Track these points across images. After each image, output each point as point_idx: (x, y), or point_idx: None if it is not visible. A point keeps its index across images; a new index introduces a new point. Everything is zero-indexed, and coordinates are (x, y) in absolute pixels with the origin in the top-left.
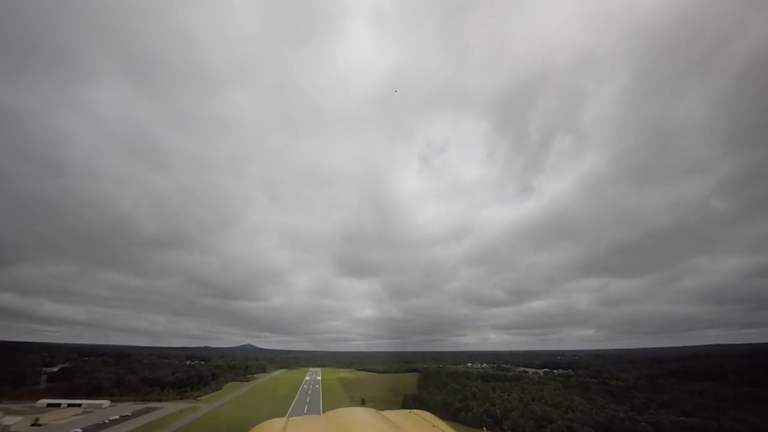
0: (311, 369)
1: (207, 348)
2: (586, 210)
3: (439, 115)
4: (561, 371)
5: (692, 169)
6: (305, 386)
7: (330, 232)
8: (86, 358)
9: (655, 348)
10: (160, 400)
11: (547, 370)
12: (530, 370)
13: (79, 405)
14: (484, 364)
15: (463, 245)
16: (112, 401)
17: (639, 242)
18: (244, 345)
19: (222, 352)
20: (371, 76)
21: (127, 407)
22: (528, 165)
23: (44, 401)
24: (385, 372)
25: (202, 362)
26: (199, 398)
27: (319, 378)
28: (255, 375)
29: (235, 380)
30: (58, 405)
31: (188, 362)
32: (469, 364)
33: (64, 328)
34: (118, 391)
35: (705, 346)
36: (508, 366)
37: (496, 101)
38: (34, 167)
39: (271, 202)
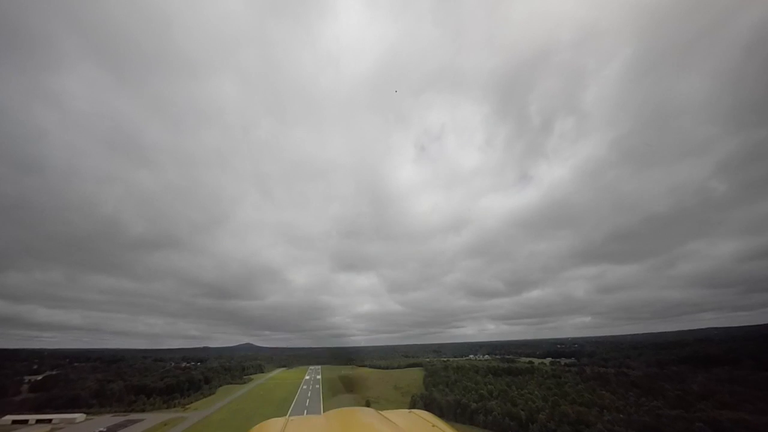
0: (311, 367)
1: (206, 348)
2: (584, 197)
3: (435, 99)
4: (566, 360)
5: (692, 151)
6: (304, 387)
7: (325, 227)
8: (76, 364)
9: (651, 333)
10: (143, 410)
11: (553, 360)
12: (536, 361)
13: (49, 421)
14: (486, 355)
15: (462, 236)
16: (91, 413)
17: (636, 228)
18: (243, 344)
19: (221, 352)
20: (363, 57)
21: (104, 421)
22: (528, 150)
23: (9, 417)
24: (387, 368)
25: (199, 363)
26: (187, 406)
27: (319, 377)
28: (252, 376)
29: (231, 383)
30: (26, 421)
31: (184, 364)
32: (471, 356)
33: (61, 334)
34: (97, 401)
35: (700, 329)
36: (510, 356)
37: (495, 82)
38: (8, 167)
39: (263, 197)
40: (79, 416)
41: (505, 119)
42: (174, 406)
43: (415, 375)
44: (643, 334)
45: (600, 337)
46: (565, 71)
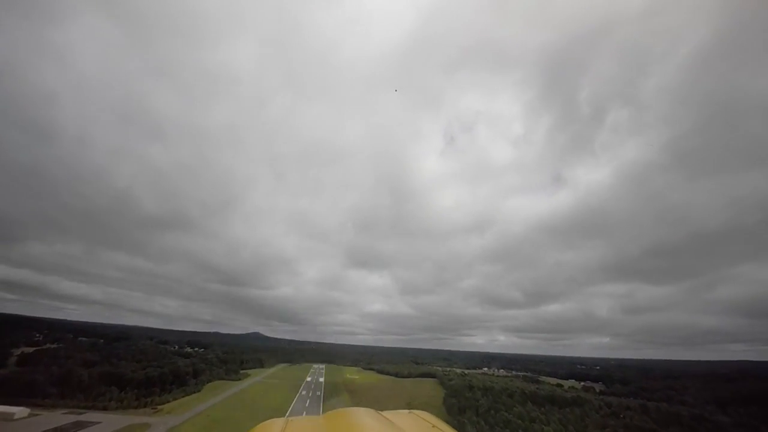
0: (314, 366)
1: (216, 334)
2: (625, 205)
3: (471, 79)
4: (599, 387)
5: (762, 159)
6: (303, 392)
7: (340, 219)
8: (81, 339)
9: (676, 360)
10: (105, 408)
11: (583, 384)
12: (564, 383)
13: None
14: (501, 369)
15: (484, 238)
16: (43, 405)
17: (680, 244)
18: (252, 332)
19: (230, 338)
20: (394, 22)
21: (49, 420)
22: (572, 144)
23: None
24: (397, 375)
25: (202, 350)
26: (160, 407)
27: (321, 380)
28: (249, 371)
29: (224, 378)
30: None
31: (187, 349)
32: (485, 369)
33: (83, 307)
34: (58, 390)
35: (732, 361)
36: (529, 374)
37: (541, 61)
38: (21, 132)
39: (276, 180)
40: (19, 411)
41: (550, 107)
42: (146, 405)
43: (431, 389)
44: (666, 360)
45: (619, 359)
46: (626, 52)
